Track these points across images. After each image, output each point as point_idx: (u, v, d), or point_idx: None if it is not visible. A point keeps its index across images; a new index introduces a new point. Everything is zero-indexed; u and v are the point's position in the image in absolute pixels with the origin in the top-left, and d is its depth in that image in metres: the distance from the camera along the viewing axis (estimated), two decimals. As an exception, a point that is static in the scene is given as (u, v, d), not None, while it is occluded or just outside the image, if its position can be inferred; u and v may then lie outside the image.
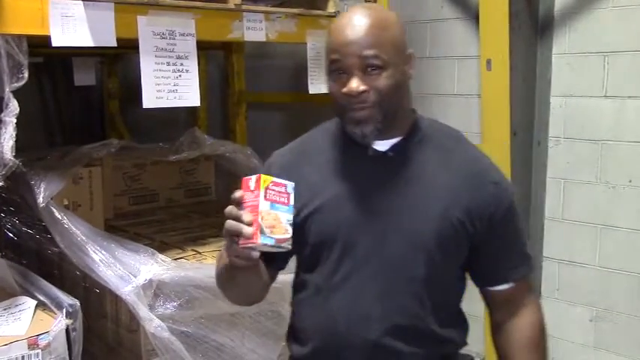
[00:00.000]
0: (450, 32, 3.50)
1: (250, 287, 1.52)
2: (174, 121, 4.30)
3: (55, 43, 1.94)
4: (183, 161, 3.39)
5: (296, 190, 1.37)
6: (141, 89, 2.14)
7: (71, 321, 2.17)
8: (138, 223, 3.26)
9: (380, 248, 1.43)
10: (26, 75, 1.92)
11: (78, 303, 2.23)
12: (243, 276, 1.44)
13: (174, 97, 2.22)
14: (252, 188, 1.28)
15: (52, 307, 2.23)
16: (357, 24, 1.38)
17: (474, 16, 3.33)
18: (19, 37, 1.92)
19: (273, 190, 1.29)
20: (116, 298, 2.43)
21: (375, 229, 1.43)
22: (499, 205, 1.47)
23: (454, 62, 3.50)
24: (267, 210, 1.27)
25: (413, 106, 1.55)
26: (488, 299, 1.57)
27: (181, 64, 2.22)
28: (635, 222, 3.03)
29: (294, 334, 1.59)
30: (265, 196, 1.27)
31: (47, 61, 3.98)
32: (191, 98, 2.27)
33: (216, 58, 4.25)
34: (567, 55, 3.16)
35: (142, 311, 2.27)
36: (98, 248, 2.40)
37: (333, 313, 1.46)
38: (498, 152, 3.12)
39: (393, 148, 1.47)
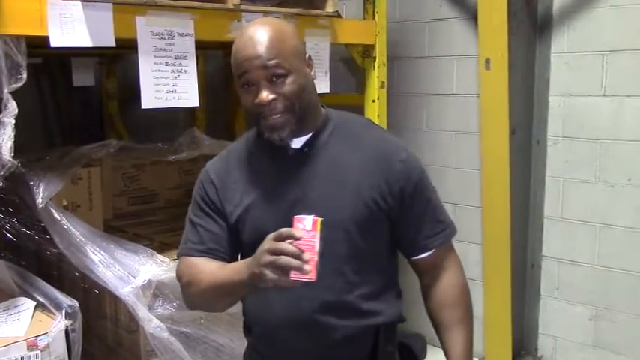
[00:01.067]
0: (448, 31, 3.50)
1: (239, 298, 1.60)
2: (173, 121, 4.29)
3: (53, 43, 1.94)
4: (182, 161, 3.39)
5: (228, 193, 1.58)
6: (140, 89, 2.14)
7: (70, 322, 2.16)
8: (137, 223, 3.26)
9: None
10: (25, 76, 1.92)
11: (77, 304, 2.22)
12: (246, 292, 1.52)
13: (173, 98, 2.22)
14: (307, 228, 1.34)
15: (52, 308, 2.23)
16: (257, 39, 1.48)
17: (472, 16, 3.33)
18: (18, 37, 1.91)
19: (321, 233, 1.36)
20: (115, 299, 2.43)
21: None
22: (408, 180, 1.57)
23: (453, 61, 3.50)
24: (318, 251, 1.34)
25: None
26: (415, 267, 1.67)
27: (180, 65, 2.22)
28: (634, 221, 3.04)
29: (245, 325, 1.72)
30: (319, 238, 1.34)
31: (46, 61, 3.97)
32: (190, 98, 2.27)
33: (215, 58, 4.25)
34: (566, 54, 3.16)
35: (142, 312, 2.27)
36: (97, 249, 2.40)
37: (269, 298, 1.57)
38: (497, 151, 3.13)
39: (307, 143, 1.57)
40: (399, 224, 1.59)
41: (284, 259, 1.30)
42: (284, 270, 1.31)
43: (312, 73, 1.57)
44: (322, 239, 1.40)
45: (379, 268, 1.61)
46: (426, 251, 1.63)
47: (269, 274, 1.32)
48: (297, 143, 1.56)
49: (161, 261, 2.42)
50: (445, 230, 1.64)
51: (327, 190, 1.53)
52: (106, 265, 2.37)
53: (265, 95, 1.47)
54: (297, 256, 1.30)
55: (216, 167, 1.65)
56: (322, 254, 1.42)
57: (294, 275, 1.31)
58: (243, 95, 1.52)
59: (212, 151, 3.29)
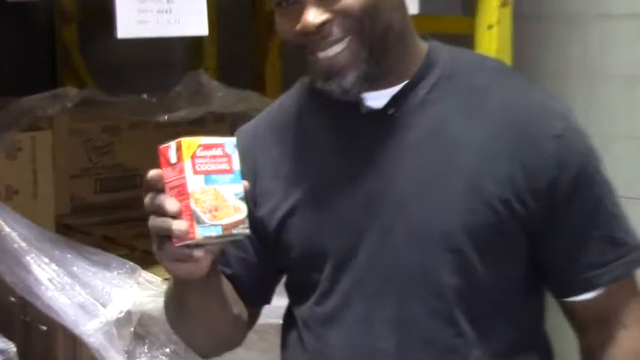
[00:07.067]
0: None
1: (212, 318, 1.60)
2: (167, 60, 4.37)
3: None
4: (180, 123, 3.37)
5: (264, 183, 1.58)
6: (113, 9, 2.14)
7: (3, 374, 2.20)
8: (109, 221, 3.30)
9: (387, 254, 1.50)
10: None
11: (13, 347, 2.25)
12: (196, 297, 1.52)
13: (167, 22, 2.22)
14: (172, 161, 1.34)
15: (-28, 354, 2.26)
16: None
17: None
18: None
19: (205, 156, 1.36)
20: (74, 340, 2.44)
21: (377, 226, 1.50)
22: (564, 168, 1.48)
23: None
24: (202, 187, 1.34)
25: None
26: (570, 315, 1.60)
27: (178, -30, 2.23)
28: None
29: None
30: (195, 168, 1.34)
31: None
32: (193, 24, 2.28)
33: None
34: None
35: (115, 361, 2.30)
36: (46, 261, 2.43)
37: (328, 355, 1.56)
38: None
39: (394, 101, 1.51)
40: (544, 242, 1.53)
41: (152, 220, 1.34)
42: (162, 239, 1.34)
43: None
44: (402, 260, 1.46)
45: (511, 312, 1.55)
46: (591, 290, 1.54)
47: (156, 246, 1.36)
48: (376, 99, 1.51)
49: (146, 280, 2.45)
50: (626, 256, 1.54)
51: (425, 181, 1.49)
52: (60, 287, 2.39)
53: (312, 18, 1.41)
54: (162, 210, 1.32)
55: (244, 145, 1.58)
56: (416, 288, 1.48)
57: (176, 241, 1.33)
58: (279, 20, 1.49)
59: (226, 106, 3.35)
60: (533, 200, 1.47)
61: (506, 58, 2.95)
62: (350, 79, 1.44)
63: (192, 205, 1.32)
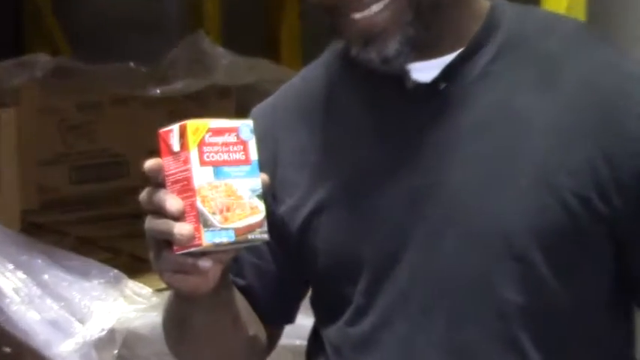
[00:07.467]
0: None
1: (222, 341, 1.61)
2: (160, 21, 4.37)
3: None
4: (176, 98, 3.41)
5: (287, 174, 1.57)
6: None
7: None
8: (87, 218, 3.32)
9: (436, 262, 1.49)
10: None
11: (-29, 372, 2.26)
12: (202, 317, 1.51)
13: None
14: (175, 149, 1.32)
15: None
16: None
17: None
18: None
19: (215, 143, 1.33)
20: (45, 365, 2.46)
21: (424, 228, 1.48)
22: None
23: None
24: (211, 182, 1.31)
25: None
26: None
27: None
28: None
29: None
30: (202, 159, 1.30)
31: None
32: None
33: None
34: None
35: (95, 390, 2.32)
36: (10, 267, 2.48)
37: None
38: None
39: (447, 73, 1.48)
40: (633, 249, 1.48)
41: (149, 221, 1.32)
42: (161, 245, 1.32)
43: None
44: (455, 270, 1.45)
45: (591, 337, 1.53)
46: None
47: (154, 253, 1.34)
48: (424, 71, 1.47)
49: (134, 292, 2.47)
50: None
51: (484, 172, 1.46)
52: (28, 300, 2.43)
53: None
54: (162, 210, 1.30)
55: (262, 127, 1.55)
56: (472, 305, 1.46)
57: (177, 248, 1.30)
58: None
59: (233, 77, 3.39)
60: (618, 196, 1.43)
61: (579, 16, 2.91)
62: (392, 44, 1.41)
63: (199, 204, 1.29)
